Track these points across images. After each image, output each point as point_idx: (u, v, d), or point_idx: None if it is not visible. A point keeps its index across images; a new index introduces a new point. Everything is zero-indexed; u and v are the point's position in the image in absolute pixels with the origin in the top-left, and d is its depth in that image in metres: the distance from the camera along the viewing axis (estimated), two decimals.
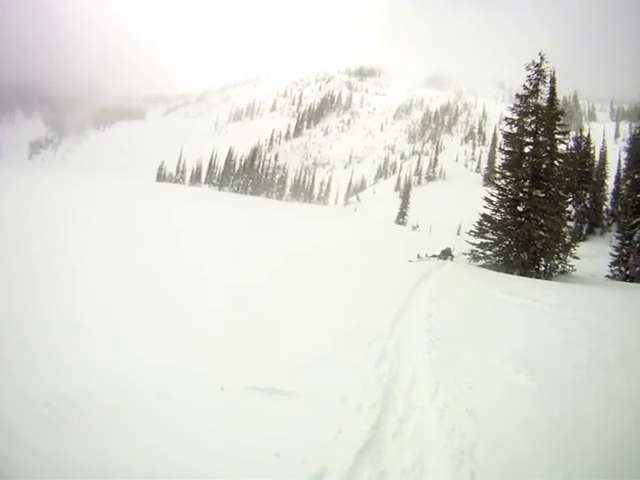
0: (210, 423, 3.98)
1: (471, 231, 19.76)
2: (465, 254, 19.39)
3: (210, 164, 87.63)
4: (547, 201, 18.59)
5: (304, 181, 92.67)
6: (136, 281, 8.74)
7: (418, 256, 18.05)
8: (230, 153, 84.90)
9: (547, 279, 17.32)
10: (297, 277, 11.25)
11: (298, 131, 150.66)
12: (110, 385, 4.35)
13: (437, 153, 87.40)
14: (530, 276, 16.90)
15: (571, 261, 19.95)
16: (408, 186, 59.53)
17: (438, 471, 3.47)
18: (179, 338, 5.87)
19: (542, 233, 18.07)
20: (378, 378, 5.04)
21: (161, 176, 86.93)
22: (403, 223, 51.87)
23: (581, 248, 22.17)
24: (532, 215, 18.35)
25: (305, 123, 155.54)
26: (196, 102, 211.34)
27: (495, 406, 4.50)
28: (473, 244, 19.10)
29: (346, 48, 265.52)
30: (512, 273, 16.95)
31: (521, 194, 19.18)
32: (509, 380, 5.15)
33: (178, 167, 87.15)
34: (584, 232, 36.96)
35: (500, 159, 22.24)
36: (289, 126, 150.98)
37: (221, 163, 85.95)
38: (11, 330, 5.39)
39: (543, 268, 18.75)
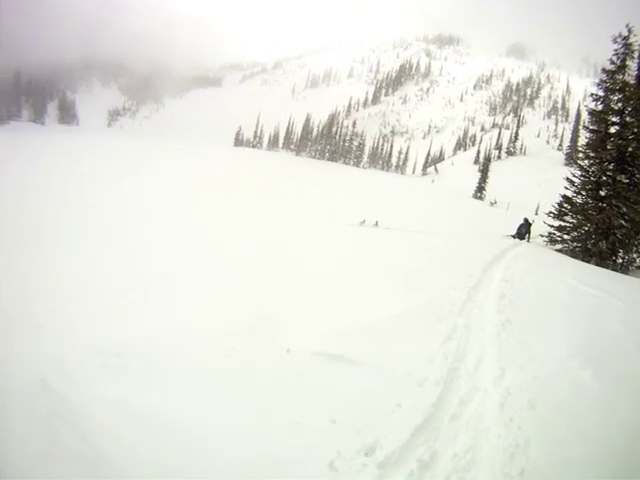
0: (272, 384, 4.22)
1: (550, 212, 18.96)
2: (542, 235, 18.88)
3: (287, 130, 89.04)
4: (631, 188, 17.47)
5: (382, 149, 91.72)
6: (202, 244, 9.46)
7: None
8: (307, 119, 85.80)
9: (623, 273, 16.38)
10: (375, 247, 11.62)
11: (376, 98, 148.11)
12: (181, 341, 4.81)
13: (518, 127, 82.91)
14: (606, 267, 16.13)
15: None
16: (487, 160, 56.75)
17: (489, 461, 3.43)
18: (248, 301, 6.23)
19: (623, 222, 17.05)
20: (445, 355, 5.03)
21: (239, 141, 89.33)
22: (481, 198, 50.27)
23: None
24: (614, 202, 17.32)
25: (383, 90, 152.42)
26: (272, 69, 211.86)
27: (556, 401, 4.34)
28: (551, 226, 18.48)
29: (423, 14, 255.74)
30: (588, 262, 16.29)
31: (604, 177, 18.08)
32: (573, 376, 4.89)
33: (255, 132, 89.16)
34: None
35: (584, 137, 21.22)
36: (367, 93, 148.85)
37: (298, 129, 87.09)
38: (86, 287, 6.08)
39: (620, 260, 17.80)
